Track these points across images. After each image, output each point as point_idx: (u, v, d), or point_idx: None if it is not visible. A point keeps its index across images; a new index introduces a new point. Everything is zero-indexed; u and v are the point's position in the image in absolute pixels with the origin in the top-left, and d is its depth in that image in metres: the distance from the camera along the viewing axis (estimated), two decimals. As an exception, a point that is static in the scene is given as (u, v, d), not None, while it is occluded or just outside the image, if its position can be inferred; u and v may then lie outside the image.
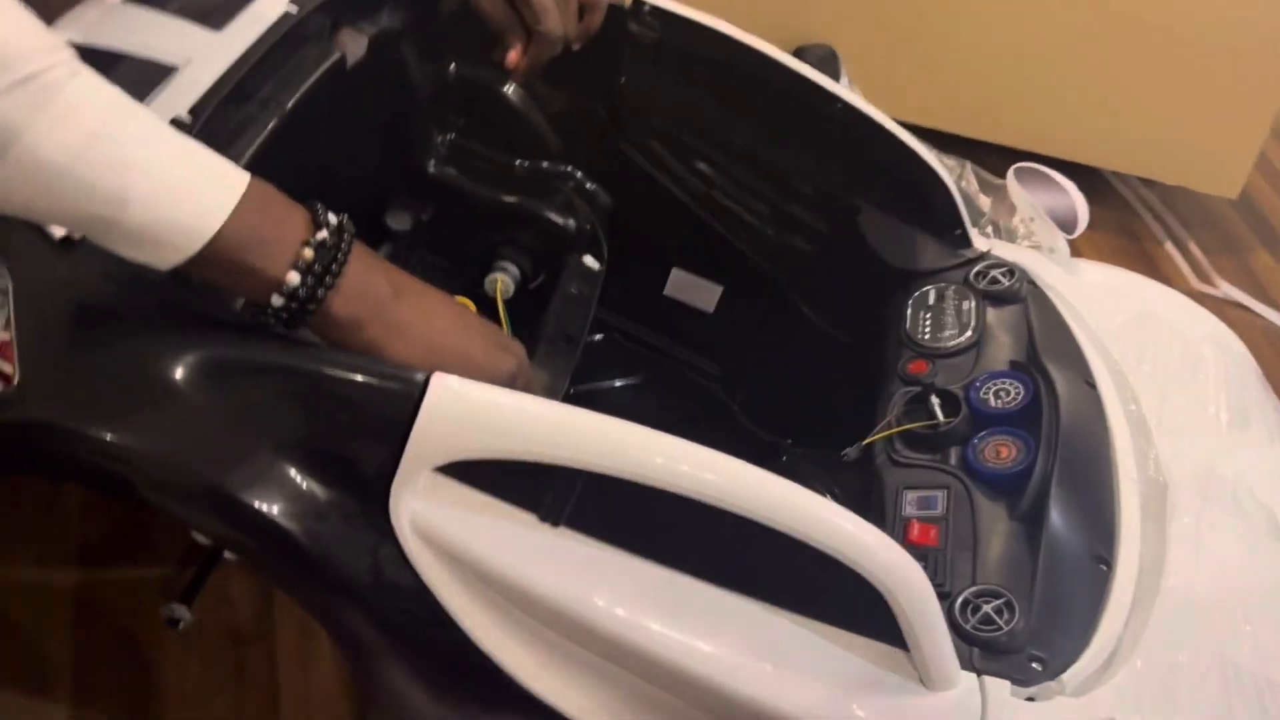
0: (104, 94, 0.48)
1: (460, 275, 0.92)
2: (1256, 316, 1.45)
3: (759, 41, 0.82)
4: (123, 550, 0.87)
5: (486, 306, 0.88)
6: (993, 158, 1.34)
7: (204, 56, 0.66)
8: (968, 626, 0.62)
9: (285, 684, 0.83)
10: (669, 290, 0.98)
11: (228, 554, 0.71)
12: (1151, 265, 1.46)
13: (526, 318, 0.89)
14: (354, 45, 0.76)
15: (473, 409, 0.53)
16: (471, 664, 0.60)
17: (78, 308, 0.56)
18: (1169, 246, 1.50)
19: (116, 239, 0.49)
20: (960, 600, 0.63)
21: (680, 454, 0.54)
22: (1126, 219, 1.53)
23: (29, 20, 0.46)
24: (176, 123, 0.61)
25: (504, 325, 0.88)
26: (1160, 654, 0.67)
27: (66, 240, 0.56)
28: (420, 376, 0.53)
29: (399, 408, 0.53)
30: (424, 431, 0.53)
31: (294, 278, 0.52)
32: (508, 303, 0.90)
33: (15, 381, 0.55)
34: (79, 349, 0.55)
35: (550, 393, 0.80)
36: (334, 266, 0.54)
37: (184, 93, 0.63)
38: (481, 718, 0.62)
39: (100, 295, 0.56)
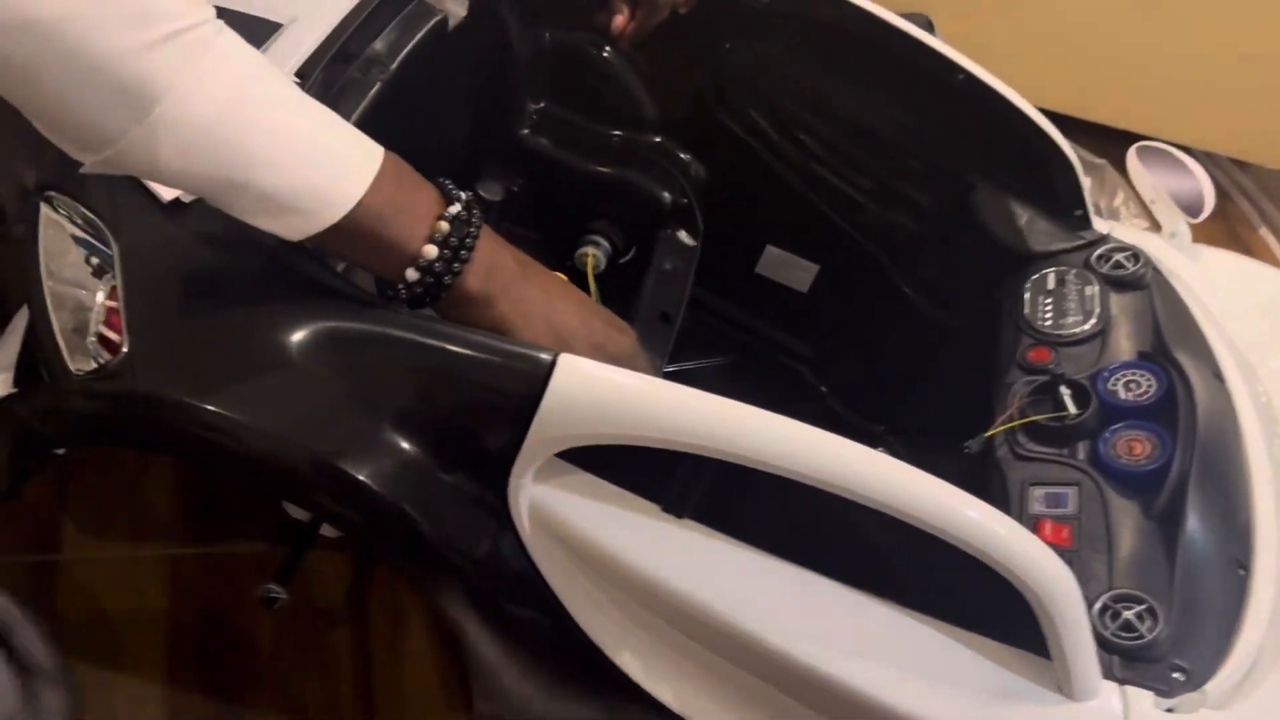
0: (247, 54, 0.46)
1: (550, 248, 0.89)
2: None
3: (875, 6, 0.78)
4: (215, 526, 0.86)
5: (575, 280, 0.85)
6: (1086, 135, 1.28)
7: (309, 15, 0.63)
8: (1107, 634, 0.59)
9: (377, 668, 0.81)
10: (761, 268, 0.94)
11: (324, 531, 0.69)
12: (1243, 249, 1.41)
13: (616, 294, 0.86)
14: (455, 5, 0.73)
15: (601, 391, 0.51)
16: (581, 655, 0.58)
17: (188, 274, 0.53)
18: (1263, 232, 1.44)
19: (250, 205, 0.47)
20: (1098, 606, 0.60)
21: (819, 444, 0.51)
22: (1221, 203, 1.47)
23: None
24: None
25: (595, 300, 0.85)
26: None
27: (176, 203, 0.54)
28: (548, 357, 0.50)
29: (525, 388, 0.50)
30: (549, 414, 0.50)
31: (431, 250, 0.50)
32: (599, 277, 0.87)
33: (124, 350, 0.52)
34: (189, 317, 0.53)
35: (654, 374, 0.77)
36: (468, 240, 0.51)
37: (291, 52, 0.61)
38: (589, 709, 0.60)
39: (211, 261, 0.54)
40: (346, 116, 0.62)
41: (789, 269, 0.94)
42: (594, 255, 0.87)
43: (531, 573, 0.56)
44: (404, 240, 0.50)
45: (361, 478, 0.52)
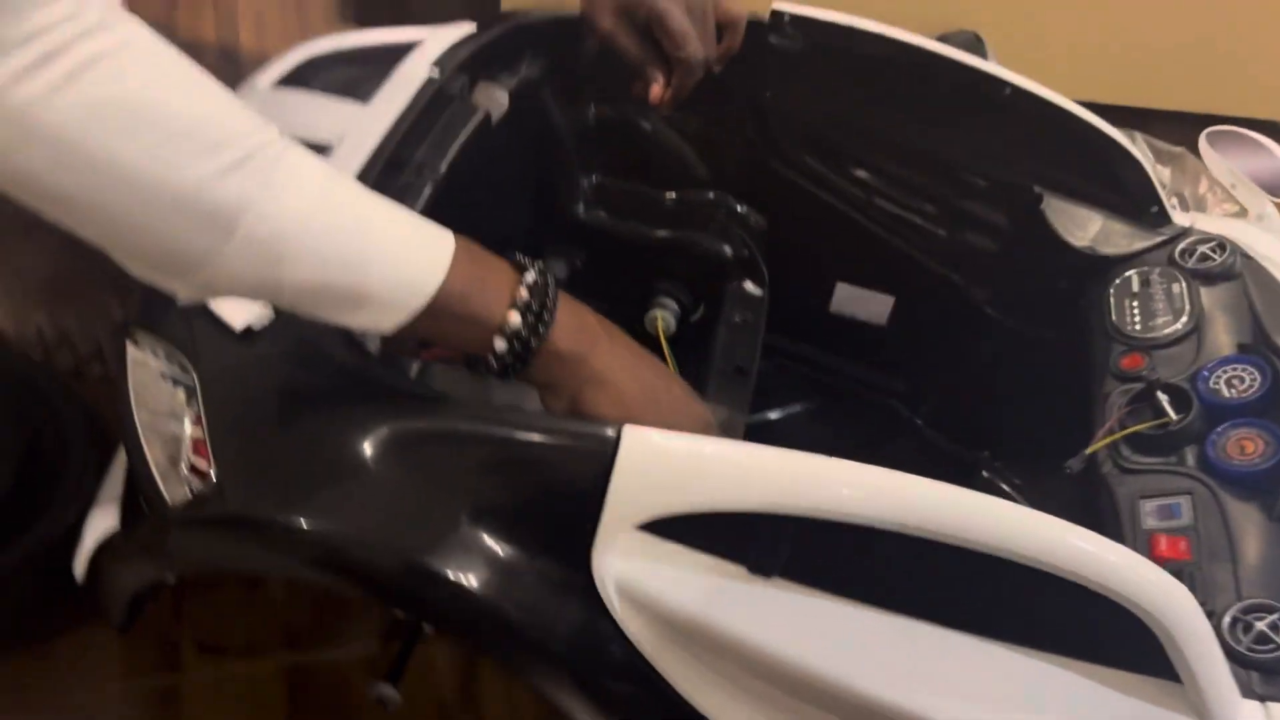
0: (316, 163, 0.48)
1: (619, 315, 0.89)
2: None
3: (908, 35, 0.77)
4: (327, 631, 0.87)
5: (648, 345, 0.86)
6: (1162, 124, 1.24)
7: (357, 131, 0.65)
8: (1241, 648, 0.55)
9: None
10: (835, 306, 0.93)
11: (427, 628, 0.70)
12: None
13: (689, 352, 0.86)
14: (496, 100, 0.75)
15: (671, 461, 0.50)
16: (690, 729, 0.57)
17: (264, 396, 0.55)
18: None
19: (340, 305, 0.49)
20: (1228, 619, 0.56)
21: (897, 489, 0.50)
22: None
23: (237, 102, 0.47)
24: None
25: (669, 363, 0.85)
26: None
27: (247, 331, 0.56)
28: (612, 432, 0.50)
29: (594, 465, 0.50)
30: (621, 488, 0.50)
31: (515, 318, 0.52)
32: (671, 339, 0.87)
33: (213, 477, 0.54)
34: (270, 438, 0.54)
35: (730, 430, 0.77)
36: (548, 304, 0.53)
37: (342, 167, 0.63)
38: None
39: (284, 381, 0.55)
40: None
41: (864, 304, 0.92)
42: (663, 317, 0.88)
43: (629, 650, 0.55)
44: (488, 313, 0.52)
45: (448, 575, 0.52)
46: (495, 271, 0.53)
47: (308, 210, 0.47)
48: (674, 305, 0.89)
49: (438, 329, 0.51)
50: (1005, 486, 0.87)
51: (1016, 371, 0.85)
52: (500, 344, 0.52)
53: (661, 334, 0.87)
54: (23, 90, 0.41)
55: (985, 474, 0.88)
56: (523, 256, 0.55)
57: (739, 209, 0.90)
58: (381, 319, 0.50)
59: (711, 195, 0.90)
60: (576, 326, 0.55)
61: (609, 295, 0.91)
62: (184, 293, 0.48)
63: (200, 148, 0.44)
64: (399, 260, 0.49)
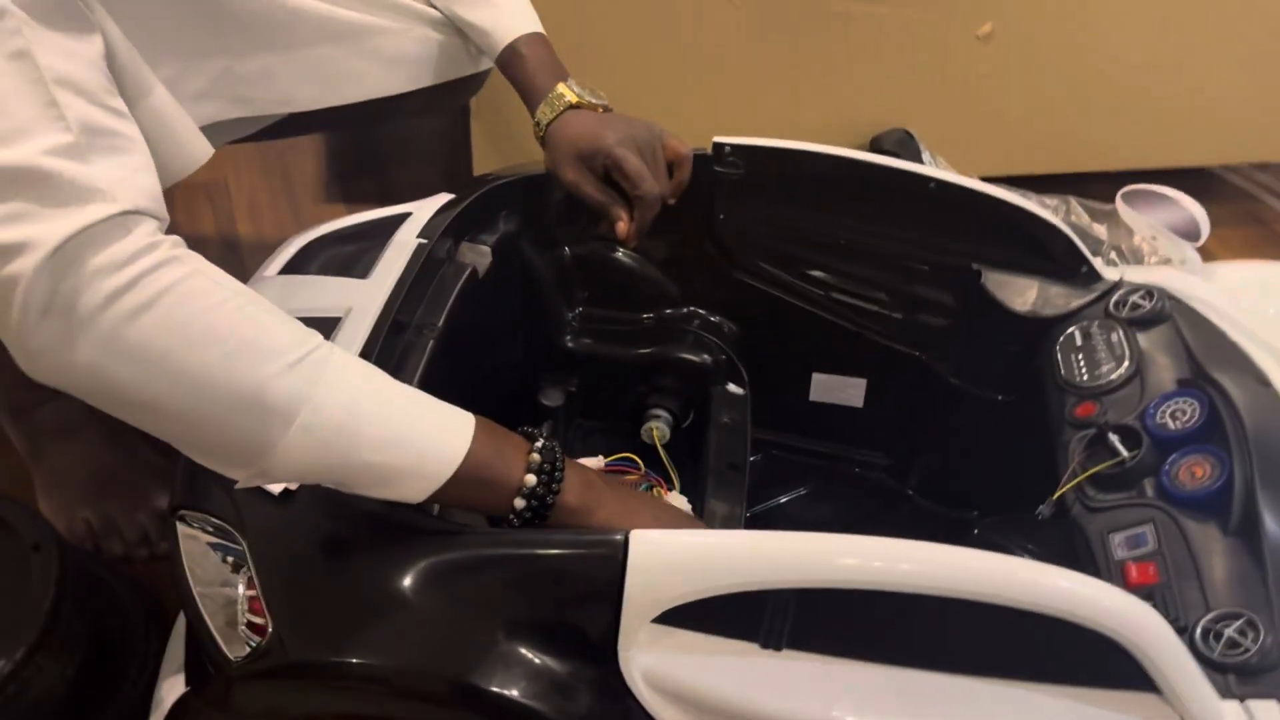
0: (356, 362, 0.58)
1: (617, 432, 0.96)
2: None
3: (835, 149, 0.86)
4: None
5: (647, 454, 0.92)
6: (1096, 184, 1.33)
7: (361, 303, 0.73)
8: (1215, 655, 0.60)
9: None
10: (814, 395, 1.00)
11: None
12: (1289, 245, 1.42)
13: (686, 456, 0.93)
14: (480, 257, 0.84)
15: (675, 555, 0.57)
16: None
17: (308, 550, 0.62)
18: (1302, 221, 1.45)
19: (378, 480, 0.57)
20: (1199, 630, 0.62)
21: (880, 552, 0.56)
22: (1251, 208, 1.49)
23: (284, 315, 0.56)
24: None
25: (669, 470, 0.91)
26: None
27: (285, 493, 0.63)
28: (620, 536, 0.56)
29: (608, 568, 0.56)
30: (636, 586, 0.56)
31: (531, 479, 0.60)
32: (667, 446, 0.94)
33: (270, 630, 0.60)
34: (318, 586, 0.61)
35: (731, 522, 0.83)
36: (558, 464, 0.61)
37: (353, 337, 0.71)
38: None
39: (324, 533, 0.62)
40: (411, 376, 0.73)
41: (840, 389, 0.99)
42: (658, 428, 0.95)
43: (664, 737, 0.60)
44: (507, 477, 0.60)
45: (493, 689, 0.58)
46: (510, 443, 0.62)
47: (351, 402, 0.55)
48: (666, 415, 0.96)
49: (464, 496, 0.60)
50: (997, 539, 0.93)
51: (987, 433, 0.91)
52: (520, 503, 0.60)
53: (658, 443, 0.94)
54: (112, 313, 0.50)
55: (976, 531, 0.93)
56: (531, 429, 0.64)
57: (712, 319, 0.98)
58: (413, 491, 0.58)
59: (685, 311, 0.98)
60: (583, 483, 0.63)
61: (605, 414, 0.98)
62: (244, 479, 0.56)
63: (260, 356, 0.53)
64: (427, 440, 0.58)
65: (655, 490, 0.88)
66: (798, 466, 1.04)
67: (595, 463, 0.88)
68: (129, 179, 0.54)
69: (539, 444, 0.62)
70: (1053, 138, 1.36)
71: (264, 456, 0.54)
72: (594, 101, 0.86)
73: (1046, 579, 0.56)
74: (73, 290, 0.50)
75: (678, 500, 0.84)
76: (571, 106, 0.84)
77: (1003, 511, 0.95)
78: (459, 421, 0.60)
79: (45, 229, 0.49)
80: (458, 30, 0.95)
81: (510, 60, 0.90)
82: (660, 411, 0.96)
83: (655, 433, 0.95)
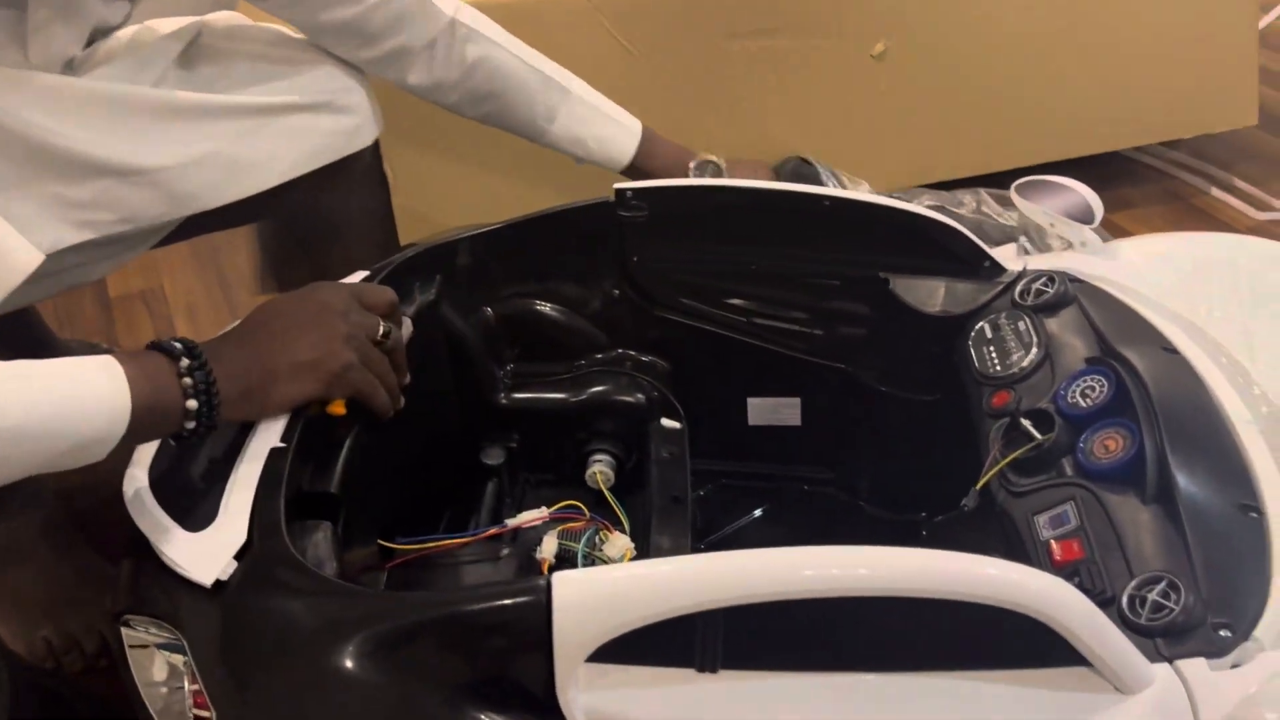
0: None
1: (563, 481, 0.97)
2: (1331, 219, 1.43)
3: (733, 181, 0.89)
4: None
5: (593, 499, 0.93)
6: (1009, 177, 1.36)
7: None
8: (1142, 620, 0.62)
9: None
10: (753, 420, 1.02)
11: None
12: (1206, 216, 1.45)
13: (633, 495, 0.94)
14: (401, 329, 0.85)
15: (598, 591, 0.57)
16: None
17: (245, 636, 0.62)
18: (1216, 192, 1.49)
19: (60, 458, 0.62)
20: (1125, 598, 0.63)
21: (796, 561, 0.57)
22: (1166, 184, 1.53)
23: None
24: (275, 451, 0.69)
25: (617, 512, 0.92)
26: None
27: (217, 584, 0.63)
28: (543, 581, 0.57)
29: (535, 614, 0.57)
30: (564, 628, 0.57)
31: (193, 404, 0.67)
32: (614, 489, 0.95)
33: (214, 720, 0.61)
34: (257, 671, 0.61)
35: (677, 555, 0.83)
36: (210, 376, 0.67)
37: (274, 426, 0.71)
38: None
39: (259, 618, 0.62)
40: (336, 456, 0.74)
41: (777, 411, 1.01)
42: (601, 472, 0.96)
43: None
44: (169, 412, 0.66)
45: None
46: (160, 376, 0.66)
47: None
48: (609, 459, 0.97)
49: (134, 441, 0.67)
50: (945, 537, 0.94)
51: (921, 435, 0.93)
52: (190, 424, 0.67)
53: (603, 486, 0.95)
54: None
55: (924, 533, 0.95)
56: (167, 340, 0.68)
57: (644, 359, 0.99)
58: (93, 457, 0.64)
59: (616, 354, 1.00)
60: (231, 376, 0.69)
61: (550, 465, 0.99)
62: None
63: None
64: (90, 406, 0.62)
65: (602, 533, 0.88)
66: (748, 492, 1.05)
67: (540, 514, 0.89)
68: None
69: (183, 364, 0.66)
70: (962, 143, 1.40)
71: None
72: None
73: (960, 568, 0.58)
74: None
75: (621, 543, 0.85)
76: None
77: (948, 510, 0.96)
78: (109, 384, 0.63)
79: None
80: (328, 109, 0.96)
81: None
82: (602, 456, 0.97)
83: (599, 477, 0.96)
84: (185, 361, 0.66)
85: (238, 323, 0.74)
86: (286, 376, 0.71)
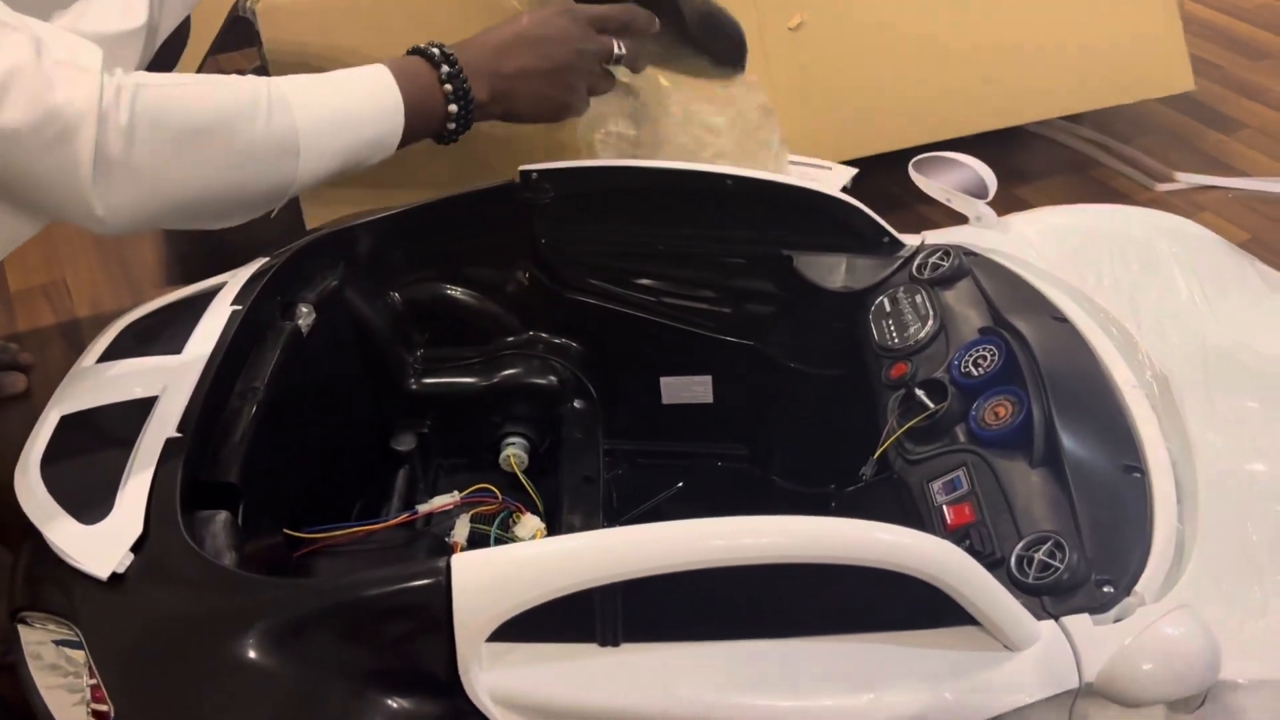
0: (298, 79, 0.78)
1: (478, 465, 0.98)
2: (1227, 189, 1.47)
3: (634, 160, 0.89)
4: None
5: (508, 483, 0.94)
6: (935, 149, 1.38)
7: (175, 379, 0.73)
8: (1029, 580, 0.64)
9: None
10: (666, 399, 1.02)
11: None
12: (1107, 189, 1.49)
13: (547, 477, 0.94)
14: (302, 316, 0.84)
15: (496, 571, 0.58)
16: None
17: (143, 628, 0.61)
18: (1116, 164, 1.53)
19: (371, 152, 0.81)
20: (1014, 559, 0.65)
21: (688, 534, 0.58)
22: (1069, 158, 1.57)
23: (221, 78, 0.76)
24: (171, 441, 0.68)
25: (531, 493, 0.93)
26: (1225, 529, 0.68)
27: (113, 577, 0.62)
28: (441, 563, 0.58)
29: (434, 596, 0.57)
30: (464, 609, 0.57)
31: (454, 108, 0.84)
32: (528, 471, 0.95)
33: (113, 715, 0.60)
34: (155, 663, 0.60)
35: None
36: (465, 83, 0.84)
37: (170, 416, 0.70)
38: None
39: (157, 609, 0.62)
40: (237, 443, 0.73)
41: (689, 389, 1.02)
42: (514, 455, 0.96)
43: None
44: (433, 112, 0.84)
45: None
46: (422, 79, 0.82)
47: (328, 109, 0.76)
48: (523, 441, 0.98)
49: (411, 136, 0.83)
50: (853, 508, 0.96)
51: (828, 409, 0.95)
52: (451, 126, 0.84)
53: (517, 469, 0.95)
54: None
55: (833, 504, 0.97)
56: (427, 46, 0.84)
57: (556, 341, 1.00)
58: (389, 148, 0.81)
59: (528, 336, 1.00)
60: (485, 76, 0.85)
61: (463, 450, 0.99)
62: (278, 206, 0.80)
63: (247, 108, 0.72)
64: (372, 105, 0.79)
65: (515, 515, 0.89)
66: (663, 470, 1.06)
67: (452, 499, 0.89)
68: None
69: (443, 71, 0.82)
70: (883, 116, 1.40)
71: (289, 190, 0.76)
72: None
73: (853, 534, 0.59)
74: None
75: (532, 524, 0.85)
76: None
77: (856, 481, 0.98)
78: (384, 82, 0.80)
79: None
80: None
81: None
82: (515, 439, 0.97)
83: (513, 460, 0.96)
84: (445, 69, 0.82)
85: (488, 30, 0.88)
86: (528, 89, 0.88)
